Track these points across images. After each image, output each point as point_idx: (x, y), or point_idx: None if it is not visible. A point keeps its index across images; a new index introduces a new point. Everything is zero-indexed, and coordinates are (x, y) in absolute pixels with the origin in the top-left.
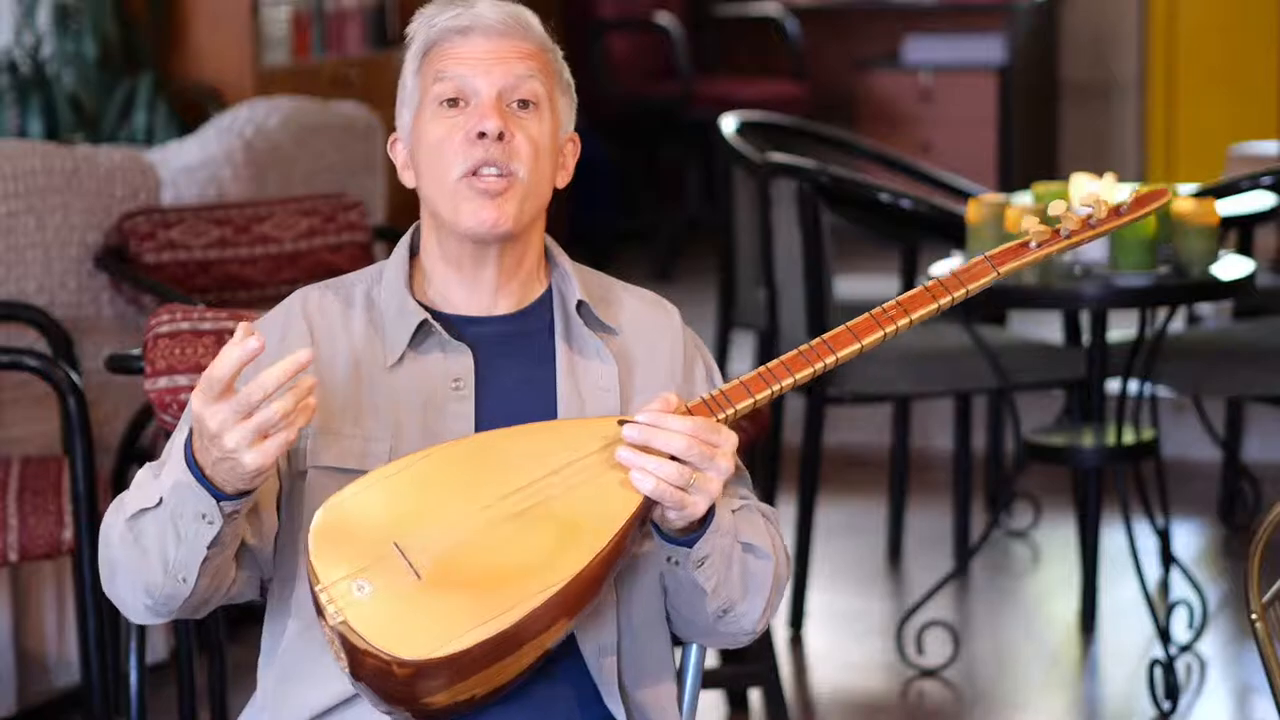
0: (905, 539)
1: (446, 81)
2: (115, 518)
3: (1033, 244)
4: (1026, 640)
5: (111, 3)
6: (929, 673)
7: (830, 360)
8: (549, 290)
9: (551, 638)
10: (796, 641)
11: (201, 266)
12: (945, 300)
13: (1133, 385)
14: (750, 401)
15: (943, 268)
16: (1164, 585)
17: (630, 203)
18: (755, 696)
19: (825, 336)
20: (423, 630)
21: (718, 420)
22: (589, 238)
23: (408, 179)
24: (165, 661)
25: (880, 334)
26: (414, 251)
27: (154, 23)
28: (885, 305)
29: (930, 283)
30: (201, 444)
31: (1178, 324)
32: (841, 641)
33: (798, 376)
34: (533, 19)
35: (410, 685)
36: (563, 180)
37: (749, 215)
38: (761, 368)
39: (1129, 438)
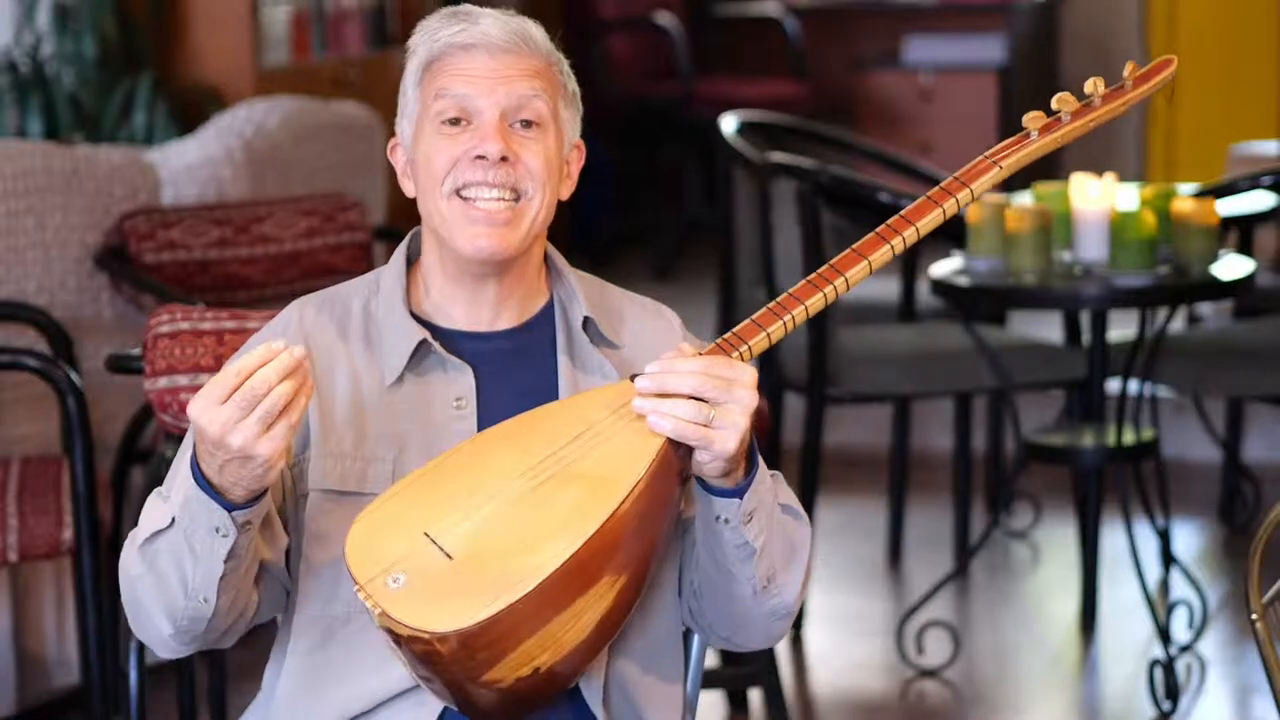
0: (905, 539)
1: (448, 99)
2: (130, 549)
3: (1032, 134)
4: (1026, 640)
5: (111, 3)
6: (929, 673)
7: (840, 283)
8: (550, 302)
9: (605, 593)
10: (796, 641)
11: (201, 266)
12: (950, 205)
13: (1133, 385)
14: (764, 336)
15: (943, 268)
16: (1164, 585)
17: (630, 203)
18: (755, 696)
19: (832, 261)
20: (457, 603)
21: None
22: (589, 238)
23: (407, 187)
24: (165, 662)
25: (887, 248)
26: (413, 257)
27: (154, 23)
28: (890, 220)
29: (933, 190)
30: (205, 452)
31: (1178, 324)
32: (841, 642)
33: (808, 304)
34: (537, 32)
35: (462, 661)
36: (566, 191)
37: (749, 215)
38: (772, 302)
39: (1129, 438)
